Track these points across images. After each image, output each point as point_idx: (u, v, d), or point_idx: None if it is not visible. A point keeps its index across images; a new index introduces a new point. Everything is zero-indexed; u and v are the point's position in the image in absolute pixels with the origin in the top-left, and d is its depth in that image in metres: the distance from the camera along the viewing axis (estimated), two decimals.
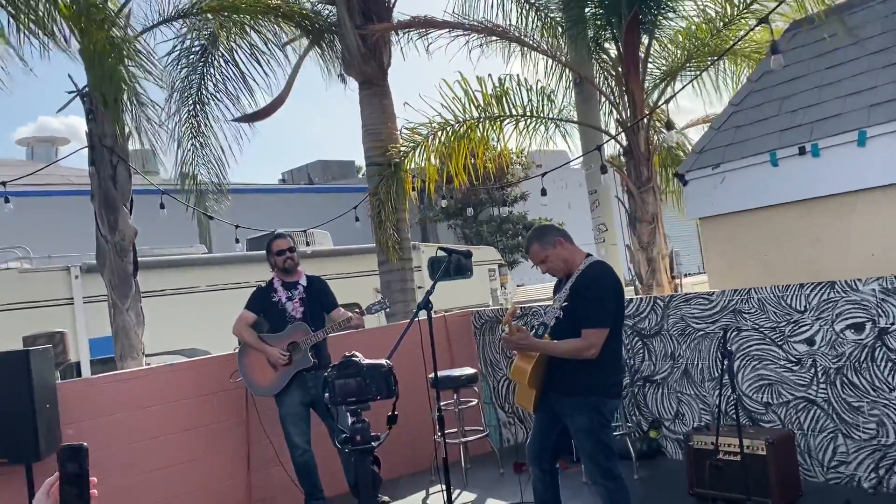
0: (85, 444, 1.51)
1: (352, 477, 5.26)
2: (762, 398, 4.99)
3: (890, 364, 4.37)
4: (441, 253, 3.60)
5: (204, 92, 8.62)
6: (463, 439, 5.88)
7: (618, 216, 8.36)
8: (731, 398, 4.45)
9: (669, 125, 6.00)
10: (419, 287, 12.18)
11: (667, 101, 7.40)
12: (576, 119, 8.06)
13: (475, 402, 6.01)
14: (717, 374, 5.19)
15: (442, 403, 5.95)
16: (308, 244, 11.35)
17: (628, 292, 8.66)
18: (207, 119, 8.63)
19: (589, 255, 3.89)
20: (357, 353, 1.82)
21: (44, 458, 4.15)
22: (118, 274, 5.99)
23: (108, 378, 5.12)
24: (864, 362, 4.47)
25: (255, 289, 5.40)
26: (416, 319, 3.60)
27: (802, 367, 4.76)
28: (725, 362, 4.43)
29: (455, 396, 5.85)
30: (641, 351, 5.75)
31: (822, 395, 4.67)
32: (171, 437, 5.20)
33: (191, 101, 8.64)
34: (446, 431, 6.04)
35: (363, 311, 5.15)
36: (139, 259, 6.36)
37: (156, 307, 8.49)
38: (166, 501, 5.10)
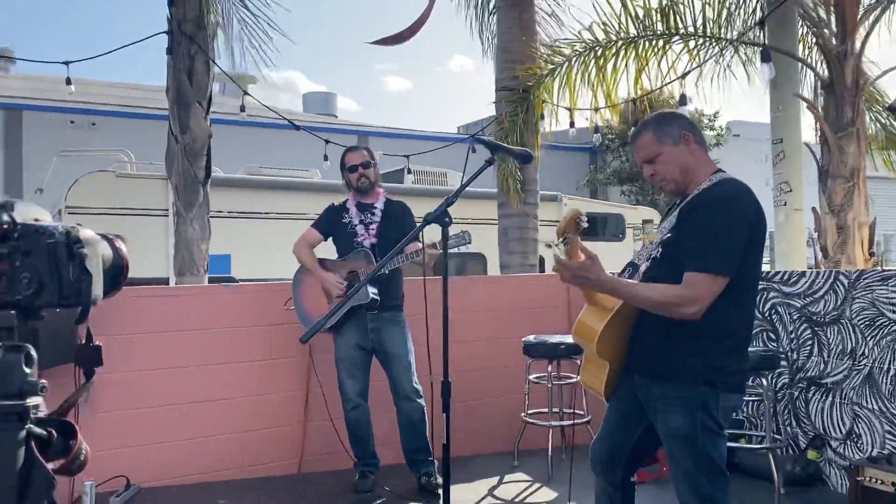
0: None
1: (409, 442, 4.33)
2: None
3: None
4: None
5: None
6: (554, 423, 4.71)
7: (808, 175, 6.56)
8: None
9: None
10: (552, 244, 10.90)
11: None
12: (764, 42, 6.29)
13: (576, 378, 4.80)
14: None
15: (534, 376, 4.92)
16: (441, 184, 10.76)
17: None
18: None
19: (721, 170, 2.54)
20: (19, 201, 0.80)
21: None
22: (185, 178, 5.36)
23: (146, 291, 4.50)
24: None
25: (327, 206, 4.57)
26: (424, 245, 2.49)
27: None
28: None
29: (549, 369, 4.69)
30: (810, 342, 4.25)
31: None
32: (213, 368, 4.51)
33: None
34: (536, 411, 4.99)
35: (436, 246, 4.11)
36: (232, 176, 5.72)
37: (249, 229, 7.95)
38: (196, 442, 4.43)
